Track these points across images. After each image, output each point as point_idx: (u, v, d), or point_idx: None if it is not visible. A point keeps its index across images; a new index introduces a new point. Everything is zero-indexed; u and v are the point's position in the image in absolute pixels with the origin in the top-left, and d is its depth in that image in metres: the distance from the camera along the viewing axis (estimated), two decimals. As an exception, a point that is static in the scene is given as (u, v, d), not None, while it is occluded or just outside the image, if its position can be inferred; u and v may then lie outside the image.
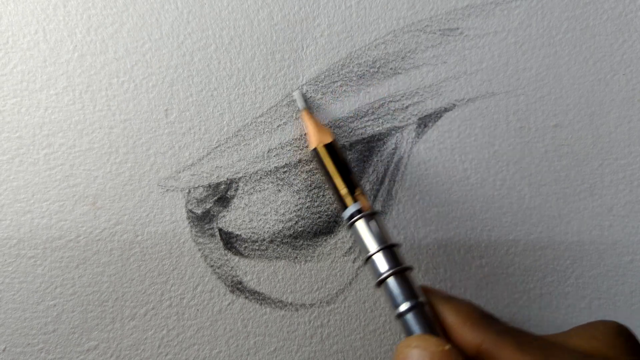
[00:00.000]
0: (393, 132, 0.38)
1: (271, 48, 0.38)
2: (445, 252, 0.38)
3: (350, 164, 0.36)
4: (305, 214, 0.37)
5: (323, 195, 0.37)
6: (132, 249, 0.36)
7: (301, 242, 0.37)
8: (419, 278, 0.37)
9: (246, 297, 0.36)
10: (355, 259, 0.37)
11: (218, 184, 0.37)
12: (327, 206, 0.37)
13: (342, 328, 0.37)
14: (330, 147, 0.35)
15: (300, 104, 0.37)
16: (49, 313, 0.35)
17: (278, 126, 0.37)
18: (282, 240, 0.37)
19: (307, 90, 0.38)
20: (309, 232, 0.37)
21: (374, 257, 0.31)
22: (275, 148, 0.37)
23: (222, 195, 0.37)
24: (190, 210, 0.36)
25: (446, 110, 0.38)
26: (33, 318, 0.35)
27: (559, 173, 0.39)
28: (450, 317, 0.29)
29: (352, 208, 0.33)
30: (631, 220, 0.38)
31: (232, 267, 0.36)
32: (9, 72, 0.36)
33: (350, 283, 0.37)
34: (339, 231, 0.37)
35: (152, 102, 0.37)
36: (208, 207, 0.37)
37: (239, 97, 0.37)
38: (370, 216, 0.32)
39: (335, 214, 0.37)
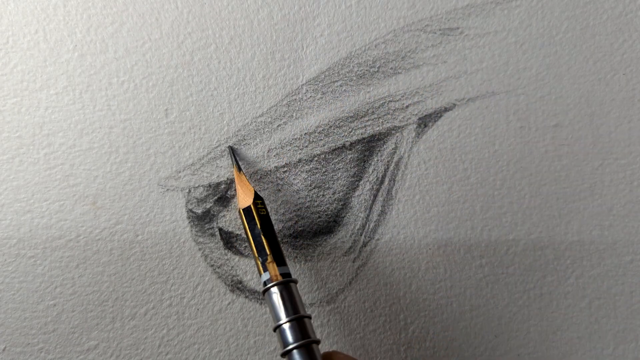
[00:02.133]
0: (393, 132, 0.38)
1: (271, 48, 0.38)
2: (445, 252, 0.38)
3: (272, 226, 0.34)
4: (305, 214, 0.37)
5: (323, 195, 0.37)
6: (132, 248, 0.36)
7: (301, 242, 0.37)
8: (418, 278, 0.37)
9: (246, 297, 0.36)
10: (355, 258, 0.37)
11: (218, 184, 0.37)
12: (327, 206, 0.37)
13: (342, 328, 0.37)
14: (253, 209, 0.34)
15: (232, 160, 0.36)
16: (49, 313, 0.35)
17: (278, 126, 0.37)
18: (282, 240, 0.37)
19: (307, 90, 0.38)
20: (309, 232, 0.37)
21: (282, 327, 0.31)
22: (275, 148, 0.37)
23: (222, 194, 0.37)
24: (191, 210, 0.36)
25: (446, 110, 0.38)
26: (33, 318, 0.35)
27: (559, 173, 0.39)
28: None
29: (265, 275, 0.32)
30: (631, 220, 0.38)
31: (232, 267, 0.36)
32: (9, 72, 0.36)
33: (350, 283, 0.37)
34: (339, 231, 0.37)
35: (152, 102, 0.37)
36: (208, 206, 0.37)
37: (239, 97, 0.37)
38: (284, 285, 0.32)
39: (335, 213, 0.38)
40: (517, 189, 0.38)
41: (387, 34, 0.38)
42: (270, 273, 0.32)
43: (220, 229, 0.37)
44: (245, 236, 0.35)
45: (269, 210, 0.37)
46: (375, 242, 0.37)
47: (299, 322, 0.31)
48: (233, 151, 0.36)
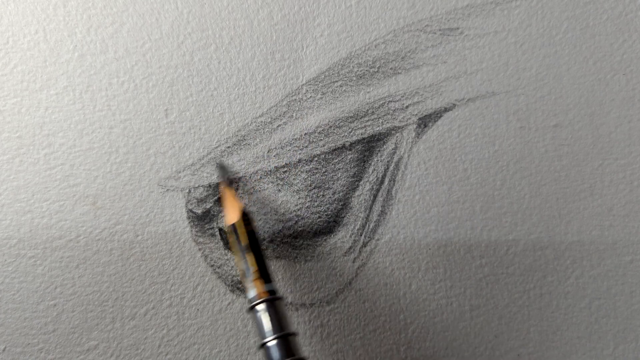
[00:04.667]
0: (393, 132, 0.38)
1: (271, 48, 0.38)
2: (445, 252, 0.38)
3: (259, 243, 0.34)
4: (305, 214, 0.37)
5: (323, 195, 0.37)
6: (132, 248, 0.36)
7: (301, 242, 0.37)
8: (418, 278, 0.37)
9: (246, 297, 0.36)
10: (355, 258, 0.37)
11: (218, 184, 0.37)
12: (327, 206, 0.37)
13: (342, 328, 0.37)
14: (239, 226, 0.34)
15: (220, 176, 0.36)
16: (49, 313, 0.35)
17: (278, 126, 0.37)
18: (282, 240, 0.37)
19: (307, 90, 0.38)
20: (309, 232, 0.37)
21: (268, 344, 0.31)
22: (275, 148, 0.37)
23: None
24: (191, 210, 0.36)
25: (446, 110, 0.38)
26: (33, 318, 0.35)
27: (559, 173, 0.39)
28: None
29: (251, 293, 0.32)
30: (631, 220, 0.38)
31: (232, 267, 0.36)
32: (9, 72, 0.36)
33: (350, 283, 0.37)
34: (339, 231, 0.37)
35: (152, 102, 0.37)
36: (208, 206, 0.37)
37: (239, 97, 0.37)
38: (270, 302, 0.32)
39: (335, 213, 0.38)
40: (517, 189, 0.38)
41: (387, 34, 0.39)
42: (256, 290, 0.32)
43: (220, 229, 0.37)
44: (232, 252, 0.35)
45: (269, 212, 0.37)
46: (375, 242, 0.37)
47: (285, 339, 0.31)
48: (222, 166, 0.36)
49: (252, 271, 0.32)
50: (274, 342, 0.30)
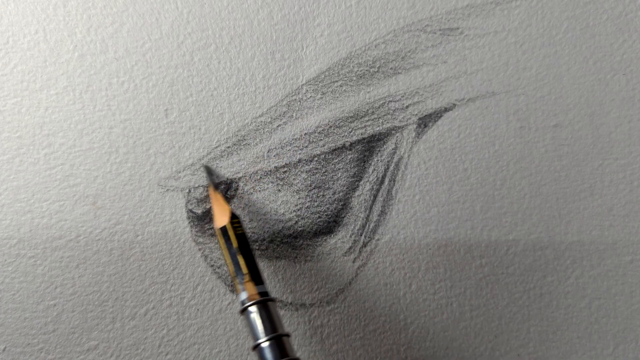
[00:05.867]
0: (393, 132, 0.38)
1: (271, 48, 0.38)
2: (445, 252, 0.38)
3: (249, 245, 0.34)
4: (305, 214, 0.37)
5: (323, 195, 0.37)
6: (132, 248, 0.36)
7: (301, 242, 0.37)
8: (418, 278, 0.37)
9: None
10: (355, 258, 0.37)
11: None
12: (327, 206, 0.37)
13: (342, 328, 0.37)
14: (229, 229, 0.34)
15: (208, 179, 0.36)
16: (49, 313, 0.35)
17: (278, 126, 0.37)
18: (282, 240, 0.37)
19: (307, 90, 0.38)
20: (309, 232, 0.37)
21: (261, 346, 0.31)
22: (275, 148, 0.37)
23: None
24: (191, 210, 0.36)
25: (446, 110, 0.38)
26: (33, 318, 0.35)
27: (559, 173, 0.39)
28: None
29: (243, 295, 0.32)
30: (631, 220, 0.38)
31: (232, 267, 0.36)
32: (9, 72, 0.36)
33: (350, 283, 0.37)
34: (339, 231, 0.37)
35: (152, 102, 0.37)
36: (208, 206, 0.37)
37: (239, 97, 0.37)
38: (262, 304, 0.32)
39: (335, 214, 0.38)
40: (517, 189, 0.38)
41: (387, 34, 0.39)
42: (248, 292, 0.32)
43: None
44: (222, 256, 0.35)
45: (269, 212, 0.37)
46: (375, 242, 0.37)
47: (278, 340, 0.31)
48: (209, 170, 0.36)
49: (244, 273, 0.33)
50: (267, 343, 0.31)
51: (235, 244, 0.33)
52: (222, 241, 0.34)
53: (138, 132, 0.37)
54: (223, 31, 0.38)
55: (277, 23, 0.38)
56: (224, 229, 0.34)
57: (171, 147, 0.37)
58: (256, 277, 0.33)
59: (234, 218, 0.34)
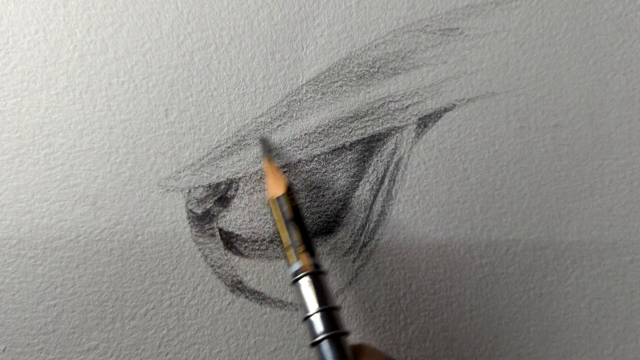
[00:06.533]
0: (393, 132, 0.38)
1: (271, 48, 0.38)
2: (445, 252, 0.38)
3: (302, 217, 0.34)
4: (305, 214, 0.37)
5: (323, 195, 0.37)
6: (132, 249, 0.36)
7: (301, 242, 0.37)
8: (418, 278, 0.37)
9: (246, 297, 0.36)
10: (355, 258, 0.37)
11: (218, 184, 0.37)
12: (327, 206, 0.37)
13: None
14: (285, 199, 0.34)
15: (263, 150, 0.36)
16: (49, 313, 0.35)
17: (278, 126, 0.37)
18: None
19: (307, 90, 0.38)
20: (309, 232, 0.37)
21: (311, 318, 0.30)
22: (275, 148, 0.37)
23: (222, 195, 0.37)
24: (191, 210, 0.36)
25: (446, 110, 0.38)
26: (33, 318, 0.35)
27: (559, 173, 0.39)
28: None
29: (295, 266, 0.32)
30: (631, 220, 0.38)
31: (232, 267, 0.36)
32: (9, 72, 0.36)
33: (350, 283, 0.37)
34: (339, 231, 0.37)
35: (152, 102, 0.37)
36: (208, 207, 0.37)
37: (239, 97, 0.37)
38: (314, 275, 0.31)
39: (335, 214, 0.38)
40: (517, 189, 0.38)
41: (387, 34, 0.39)
42: (303, 262, 0.32)
43: (220, 229, 0.37)
44: (275, 226, 0.35)
45: (269, 212, 0.37)
46: (375, 242, 0.37)
47: (329, 313, 0.30)
48: (264, 141, 0.36)
49: (298, 244, 0.32)
50: (318, 315, 0.30)
51: (290, 214, 0.33)
52: (276, 212, 0.33)
53: (138, 132, 0.37)
54: (223, 31, 0.38)
55: (277, 23, 0.38)
56: (279, 200, 0.34)
57: (171, 147, 0.37)
58: (310, 249, 0.32)
59: (289, 189, 0.34)
